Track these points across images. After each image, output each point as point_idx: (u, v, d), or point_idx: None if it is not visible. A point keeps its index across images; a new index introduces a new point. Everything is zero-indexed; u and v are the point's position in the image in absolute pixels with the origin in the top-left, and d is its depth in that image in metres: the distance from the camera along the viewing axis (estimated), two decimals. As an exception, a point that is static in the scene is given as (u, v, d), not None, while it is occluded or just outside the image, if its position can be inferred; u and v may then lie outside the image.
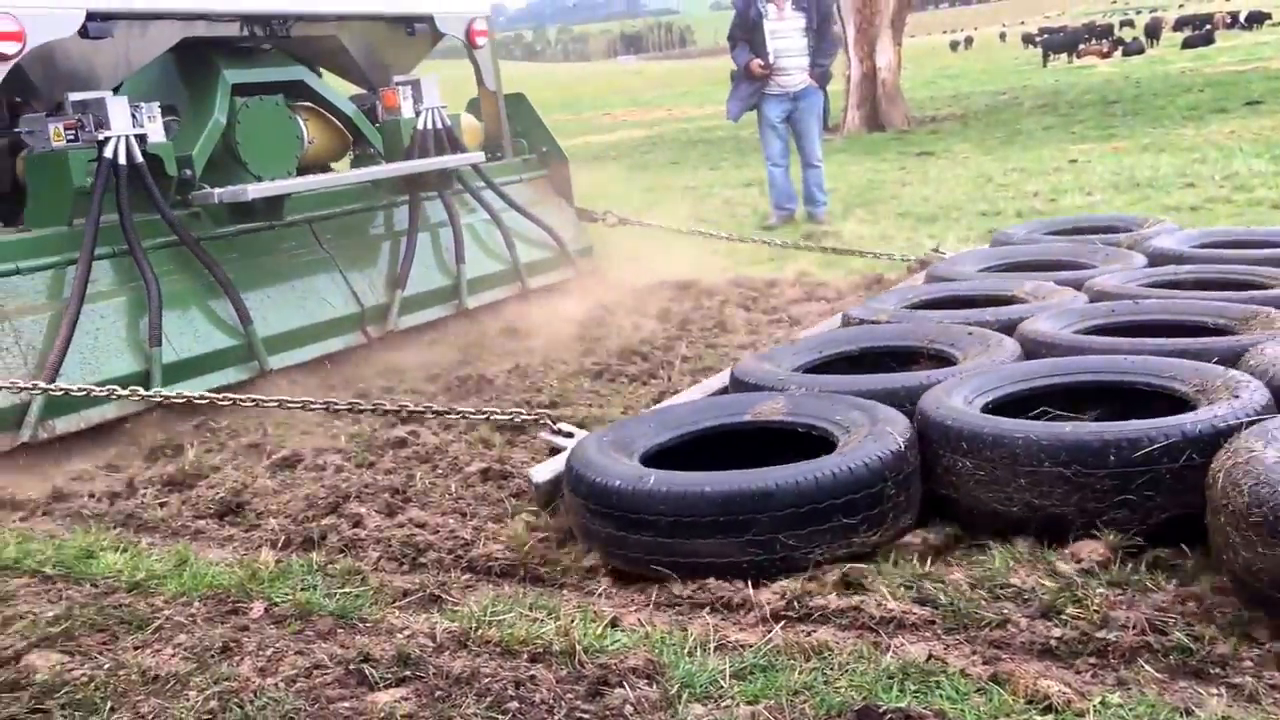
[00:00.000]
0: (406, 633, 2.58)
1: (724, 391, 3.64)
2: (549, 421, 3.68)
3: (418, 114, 5.69)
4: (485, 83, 6.41)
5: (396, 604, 2.76)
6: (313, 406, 3.85)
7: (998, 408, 2.94)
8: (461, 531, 3.09)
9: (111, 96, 4.49)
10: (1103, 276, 4.24)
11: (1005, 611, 2.39)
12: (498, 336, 5.72)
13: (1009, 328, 3.60)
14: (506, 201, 6.13)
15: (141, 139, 4.57)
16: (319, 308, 5.19)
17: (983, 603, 2.44)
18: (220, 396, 4.02)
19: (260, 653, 2.55)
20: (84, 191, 4.43)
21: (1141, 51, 32.44)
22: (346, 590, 2.82)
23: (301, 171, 5.35)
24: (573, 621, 2.51)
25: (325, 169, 5.74)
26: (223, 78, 5.02)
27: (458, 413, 3.87)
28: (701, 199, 10.95)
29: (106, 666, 2.54)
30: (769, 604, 2.51)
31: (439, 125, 5.74)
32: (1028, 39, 49.19)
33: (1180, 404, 2.78)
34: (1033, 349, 3.36)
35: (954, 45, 57.78)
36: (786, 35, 8.31)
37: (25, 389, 3.90)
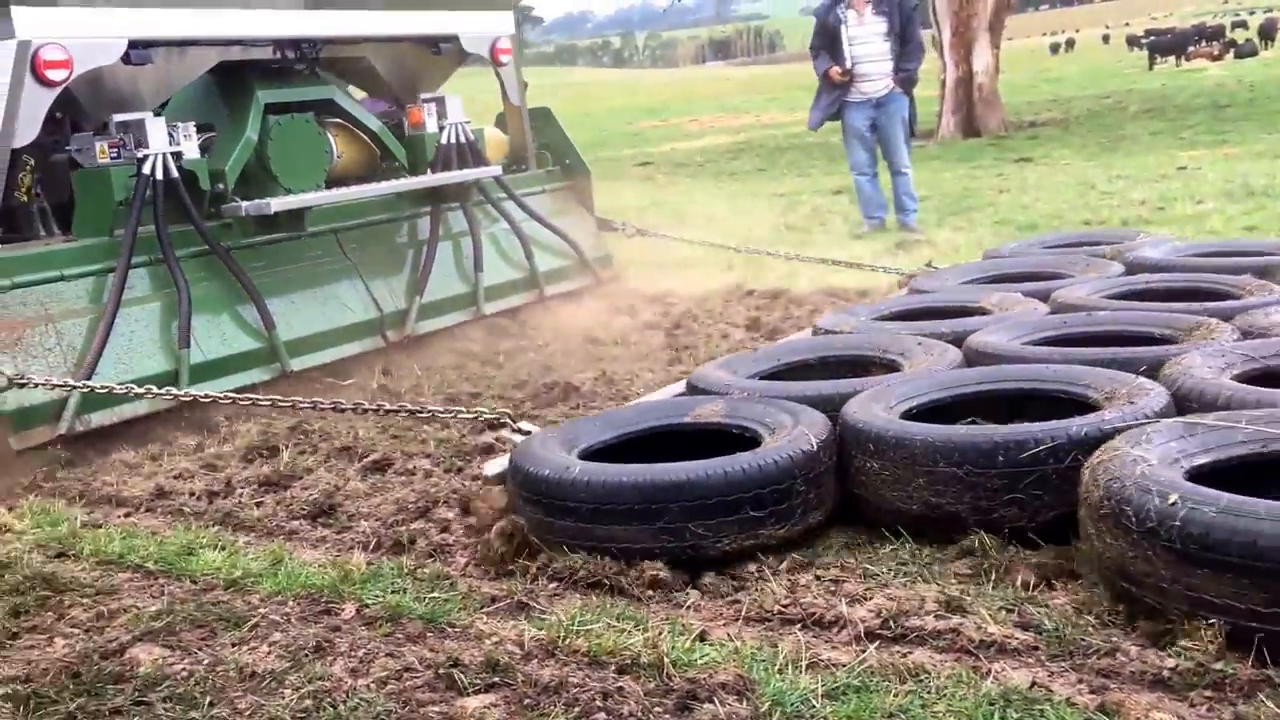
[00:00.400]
0: (495, 639, 2.60)
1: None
2: (510, 420, 3.85)
3: (441, 129, 6.01)
4: (509, 98, 6.70)
5: (484, 610, 2.78)
6: (301, 406, 4.14)
7: (920, 414, 3.10)
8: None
9: (151, 117, 4.89)
10: (1067, 289, 4.38)
11: (1113, 639, 2.31)
12: (584, 343, 5.82)
13: (961, 339, 3.75)
14: (526, 211, 6.38)
15: (177, 156, 4.93)
16: (339, 313, 5.51)
17: (1089, 629, 2.37)
18: (240, 396, 4.32)
19: (352, 653, 2.61)
20: (124, 204, 4.78)
21: (1255, 54, 31.35)
22: (435, 594, 2.87)
23: (331, 184, 5.66)
24: (660, 634, 2.51)
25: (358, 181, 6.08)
26: (256, 97, 5.36)
27: (428, 412, 4.14)
28: (790, 207, 10.83)
29: (205, 662, 2.62)
30: (863, 622, 2.47)
31: (461, 140, 6.06)
32: (1133, 41, 47.88)
33: (1087, 409, 2.95)
34: (975, 359, 3.55)
35: (1054, 48, 56.52)
36: (867, 41, 8.23)
37: (59, 385, 4.27)
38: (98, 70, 4.87)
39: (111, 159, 4.91)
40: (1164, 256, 4.91)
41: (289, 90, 5.62)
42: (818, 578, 2.76)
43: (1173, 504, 2.25)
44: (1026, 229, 8.13)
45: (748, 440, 3.09)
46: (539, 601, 2.79)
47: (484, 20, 6.39)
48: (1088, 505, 2.46)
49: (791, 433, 2.99)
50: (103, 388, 4.24)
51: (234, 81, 5.49)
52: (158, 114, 5.08)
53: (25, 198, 5.07)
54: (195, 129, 5.17)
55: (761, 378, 3.73)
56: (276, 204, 5.19)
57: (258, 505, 3.70)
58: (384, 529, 3.35)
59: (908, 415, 3.07)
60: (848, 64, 8.17)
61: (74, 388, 4.25)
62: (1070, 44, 58.93)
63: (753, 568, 2.80)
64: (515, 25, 6.68)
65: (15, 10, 4.46)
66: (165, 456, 4.31)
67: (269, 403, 4.15)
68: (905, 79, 8.27)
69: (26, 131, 4.60)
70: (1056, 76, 32.86)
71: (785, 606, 2.60)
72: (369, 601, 2.86)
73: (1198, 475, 2.47)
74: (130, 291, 4.73)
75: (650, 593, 2.76)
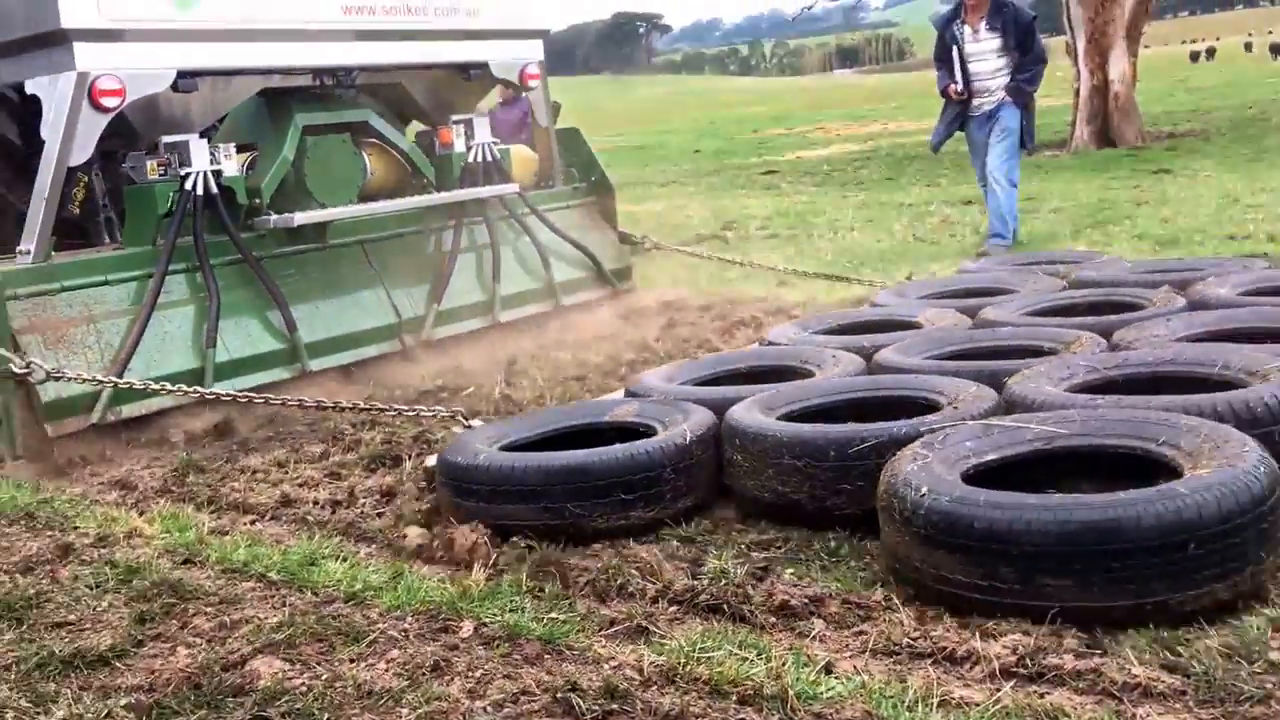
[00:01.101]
0: (613, 663, 2.68)
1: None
2: (463, 418, 4.52)
3: (469, 149, 6.52)
4: (538, 119, 7.28)
5: (603, 632, 2.87)
6: (273, 402, 4.91)
7: (798, 417, 3.65)
8: (665, 566, 3.18)
9: (195, 139, 5.45)
10: (993, 306, 4.99)
11: (1267, 686, 2.30)
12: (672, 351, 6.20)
13: (874, 351, 4.34)
14: (547, 225, 6.88)
15: (218, 174, 5.47)
16: (359, 318, 6.14)
17: (1241, 674, 2.35)
18: (256, 395, 5.00)
19: (470, 673, 2.69)
20: (168, 216, 5.34)
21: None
22: (554, 614, 2.97)
23: (365, 199, 6.21)
24: (784, 664, 2.55)
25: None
26: (294, 120, 5.88)
27: (380, 408, 4.76)
28: (918, 217, 10.82)
29: (324, 677, 2.73)
30: (998, 658, 2.48)
31: (487, 158, 6.57)
32: (1276, 49, 46.02)
33: (932, 412, 3.53)
34: (875, 370, 4.16)
35: (1194, 56, 54.81)
36: (983, 57, 8.42)
37: (88, 380, 4.82)
38: (149, 97, 5.42)
39: (160, 176, 5.45)
40: (1099, 275, 5.52)
41: (326, 113, 6.16)
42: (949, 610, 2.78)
43: (921, 495, 2.76)
44: (1166, 244, 8.17)
45: (646, 436, 3.66)
46: (659, 625, 2.87)
47: (513, 48, 6.93)
48: (876, 498, 2.97)
49: (672, 430, 3.60)
50: (125, 383, 4.79)
51: (276, 105, 6.06)
52: (204, 135, 5.63)
53: (78, 211, 5.66)
54: (237, 148, 5.73)
55: (696, 384, 4.34)
56: (300, 218, 5.83)
57: (379, 516, 3.92)
58: (504, 546, 3.47)
59: (787, 417, 3.63)
60: (958, 84, 8.43)
61: (101, 382, 4.79)
62: (1211, 52, 57.02)
63: (879, 595, 2.86)
64: (543, 51, 7.25)
65: (76, 45, 5.01)
66: (291, 464, 4.66)
67: (280, 401, 4.91)
68: (1014, 89, 8.40)
69: (81, 152, 5.14)
70: (1196, 85, 31.97)
71: (914, 639, 2.63)
72: (487, 620, 2.98)
73: (985, 471, 3.01)
74: (166, 295, 5.38)
75: (773, 620, 2.84)
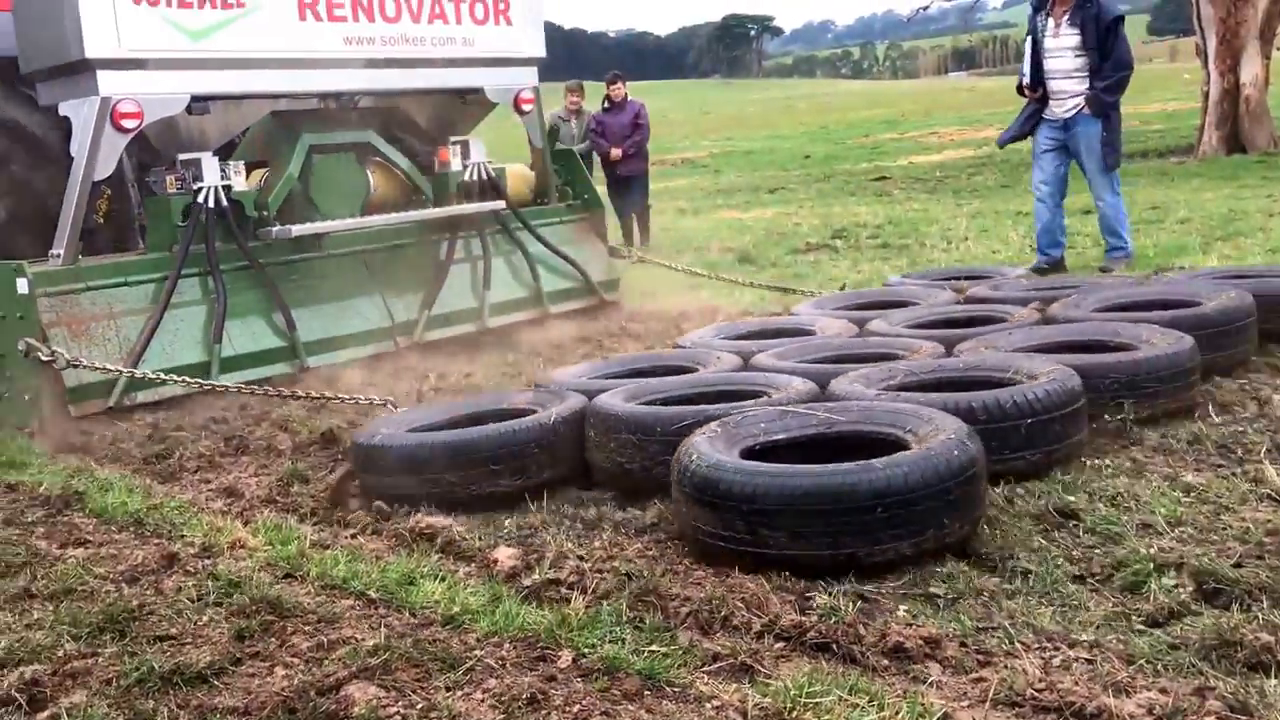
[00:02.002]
0: (716, 703, 2.67)
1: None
2: (393, 406, 5.31)
3: (465, 168, 7.38)
4: (533, 141, 8.14)
5: (705, 669, 2.86)
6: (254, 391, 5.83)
7: (656, 404, 4.45)
8: (771, 599, 3.19)
9: (208, 157, 6.45)
10: (879, 319, 5.78)
11: None
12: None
13: (753, 354, 5.21)
14: (537, 239, 7.75)
15: (228, 189, 6.43)
16: (355, 320, 7.07)
17: None
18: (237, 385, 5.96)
19: (567, 708, 2.72)
20: (180, 226, 6.33)
21: None
22: (655, 647, 2.97)
23: (370, 213, 7.17)
24: (898, 712, 2.53)
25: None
26: (301, 140, 6.85)
27: (317, 396, 5.63)
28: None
29: (419, 706, 2.78)
30: (1132, 717, 2.45)
31: (482, 176, 7.42)
32: None
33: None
34: (746, 369, 4.98)
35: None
36: (1059, 55, 8.06)
37: (98, 369, 5.71)
38: (166, 119, 6.45)
39: (177, 190, 6.48)
40: (984, 292, 6.29)
41: (331, 133, 7.13)
42: (1075, 656, 2.78)
43: (691, 462, 3.54)
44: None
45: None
46: (763, 663, 2.86)
47: (507, 75, 7.81)
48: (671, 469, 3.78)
49: (547, 412, 4.43)
50: (139, 373, 5.79)
51: (285, 125, 7.04)
52: (217, 154, 6.63)
53: (102, 219, 6.77)
54: (253, 165, 6.74)
55: (594, 378, 5.17)
56: (297, 230, 6.74)
57: (480, 537, 4.01)
58: (604, 572, 3.51)
59: (647, 404, 4.46)
60: (1026, 79, 8.21)
61: (113, 371, 5.77)
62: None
63: (999, 638, 2.87)
64: (538, 77, 8.09)
65: (99, 73, 6.01)
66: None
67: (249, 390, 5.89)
68: (1092, 98, 7.97)
69: (104, 168, 6.16)
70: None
71: (1039, 690, 2.58)
72: (586, 650, 3.00)
73: (770, 447, 3.77)
74: (179, 296, 6.36)
75: (886, 662, 2.83)
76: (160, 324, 6.21)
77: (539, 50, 8.01)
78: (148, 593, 3.64)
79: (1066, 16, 7.95)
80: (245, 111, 7.05)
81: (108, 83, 6.05)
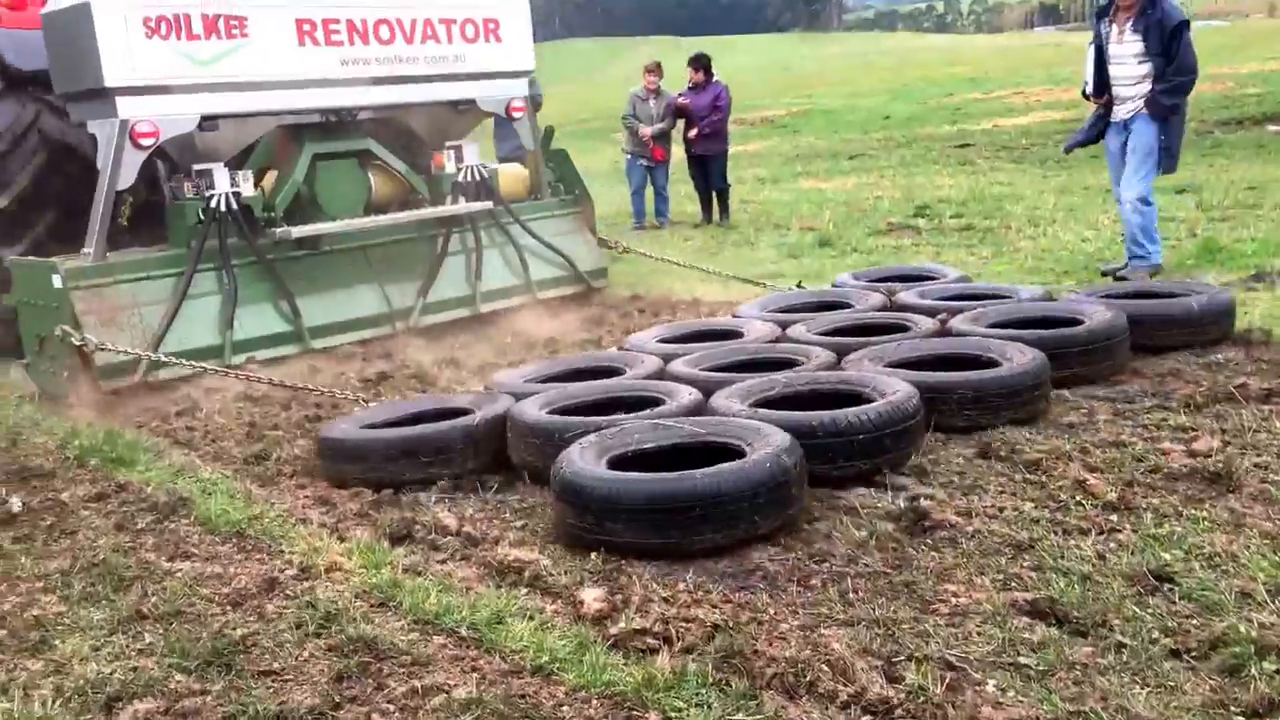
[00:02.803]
0: None
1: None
2: (363, 402, 6.23)
3: (459, 170, 8.34)
4: (525, 144, 9.05)
5: None
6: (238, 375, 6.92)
7: (566, 410, 5.22)
8: (857, 666, 3.19)
9: (219, 167, 7.40)
10: (799, 323, 6.49)
11: None
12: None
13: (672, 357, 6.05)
14: (527, 231, 8.70)
15: (237, 195, 7.39)
16: (356, 307, 8.08)
17: None
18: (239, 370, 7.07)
19: None
20: (195, 227, 7.32)
21: None
22: (740, 716, 3.01)
23: (372, 212, 8.12)
24: None
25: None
26: (305, 149, 7.80)
27: (314, 389, 6.62)
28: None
29: None
30: None
31: (475, 178, 8.38)
32: None
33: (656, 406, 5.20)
34: (665, 375, 5.77)
35: None
36: (1124, 61, 8.24)
37: (120, 351, 6.74)
38: (180, 135, 7.34)
39: (191, 195, 7.46)
40: (909, 299, 6.86)
41: (333, 143, 8.04)
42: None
43: (560, 468, 4.35)
44: None
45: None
46: None
47: (498, 86, 8.70)
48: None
49: (474, 414, 5.29)
50: (157, 357, 6.81)
51: (290, 137, 7.97)
52: (229, 164, 7.58)
53: (126, 223, 7.67)
54: (259, 170, 7.72)
55: (534, 381, 5.95)
56: (296, 231, 7.65)
57: (565, 573, 4.05)
58: (690, 623, 3.59)
59: (558, 410, 5.20)
60: (1090, 86, 8.44)
61: (128, 354, 6.77)
62: None
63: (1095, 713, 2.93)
64: (530, 85, 8.99)
65: (118, 99, 6.96)
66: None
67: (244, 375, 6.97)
68: (1150, 100, 8.11)
69: (125, 179, 7.13)
70: None
71: None
72: (672, 714, 3.07)
73: (639, 455, 4.49)
74: (195, 288, 7.31)
75: None
76: (178, 312, 7.15)
77: (528, 64, 8.80)
78: (251, 619, 3.87)
79: (1130, 22, 8.08)
80: (253, 127, 7.88)
81: (126, 107, 6.96)
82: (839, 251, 10.95)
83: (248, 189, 7.57)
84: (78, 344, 6.74)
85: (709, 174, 13.97)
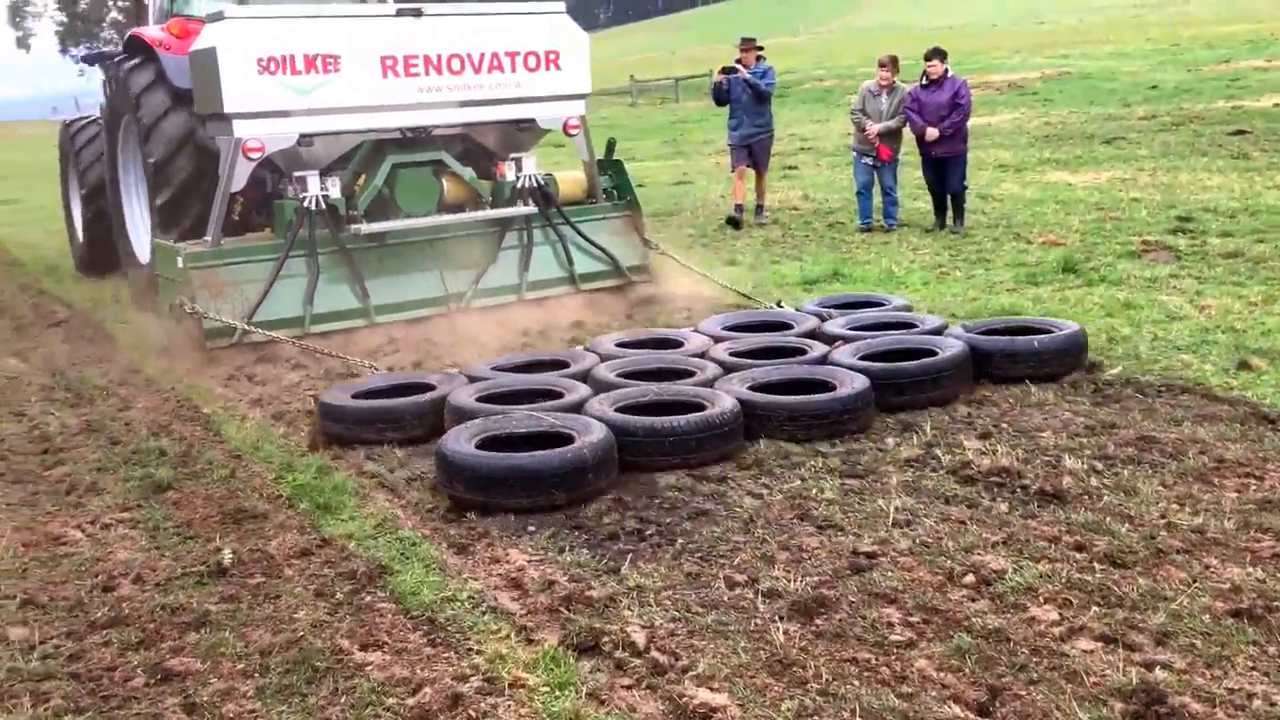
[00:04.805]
0: None
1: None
2: (373, 367, 8.32)
3: (518, 178, 10.32)
4: (581, 155, 10.97)
5: None
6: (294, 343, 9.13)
7: (492, 399, 7.00)
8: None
9: (312, 174, 9.55)
10: (726, 343, 8.08)
11: None
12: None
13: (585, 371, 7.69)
14: (575, 230, 10.63)
15: (326, 197, 9.55)
16: (417, 290, 10.12)
17: None
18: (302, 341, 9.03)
19: None
20: (290, 222, 9.51)
21: None
22: None
23: (442, 212, 10.20)
24: None
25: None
26: (386, 159, 9.91)
27: (326, 353, 8.86)
28: None
29: None
30: None
31: (532, 184, 10.35)
32: None
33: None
34: (595, 383, 7.34)
35: None
36: None
37: (217, 320, 9.12)
38: (283, 149, 9.55)
39: (290, 196, 9.74)
40: (833, 328, 8.26)
41: (410, 154, 10.13)
42: None
43: (442, 448, 6.00)
44: None
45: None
46: None
47: (556, 108, 10.56)
48: None
49: (432, 393, 7.19)
50: (245, 326, 9.09)
51: (375, 148, 10.10)
52: (321, 172, 9.72)
53: (237, 218, 10.08)
54: (354, 175, 9.91)
55: (498, 369, 7.79)
56: (367, 227, 9.76)
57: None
58: None
59: (484, 399, 6.97)
60: None
61: (225, 323, 9.08)
62: None
63: None
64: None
65: (234, 121, 9.22)
66: (683, 570, 4.98)
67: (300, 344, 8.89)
68: None
69: (237, 183, 9.41)
70: None
71: None
72: None
73: (503, 438, 6.17)
74: (286, 271, 9.50)
75: None
76: (271, 290, 9.39)
77: (585, 88, 10.61)
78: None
79: None
80: (343, 141, 9.93)
81: (240, 128, 9.20)
82: (1084, 280, 10.27)
83: (334, 192, 9.68)
84: (189, 312, 9.07)
85: (946, 177, 13.38)
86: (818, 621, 4.38)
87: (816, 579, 4.75)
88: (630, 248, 11.14)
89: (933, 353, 7.29)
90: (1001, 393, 7.17)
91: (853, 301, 9.30)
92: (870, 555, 4.95)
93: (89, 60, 13.14)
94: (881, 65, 13.93)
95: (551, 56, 10.30)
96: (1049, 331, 7.63)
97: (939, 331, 7.90)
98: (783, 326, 8.54)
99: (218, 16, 9.18)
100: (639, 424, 6.28)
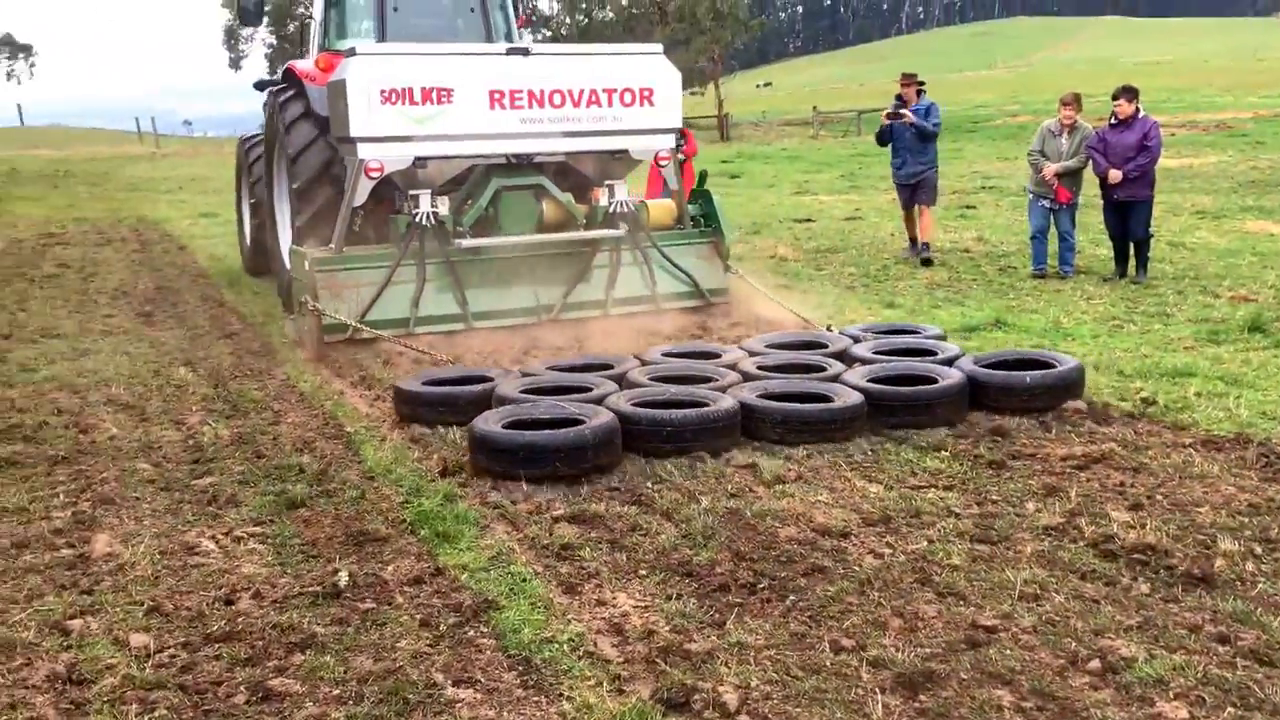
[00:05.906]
0: None
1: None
2: (449, 360, 9.53)
3: (610, 204, 11.54)
4: (670, 185, 12.11)
5: None
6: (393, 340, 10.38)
7: (535, 391, 8.34)
8: None
9: (425, 193, 10.95)
10: (756, 358, 9.14)
11: None
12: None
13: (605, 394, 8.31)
14: (661, 254, 11.79)
15: (435, 214, 10.93)
16: (510, 301, 11.31)
17: None
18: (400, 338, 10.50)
19: None
20: (403, 235, 10.94)
21: None
22: None
23: (541, 231, 11.45)
24: None
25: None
26: (491, 182, 11.28)
27: (437, 356, 10.06)
28: None
29: None
30: None
31: (622, 210, 11.52)
32: None
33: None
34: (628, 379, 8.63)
35: None
36: None
37: (333, 318, 10.55)
38: (400, 170, 10.96)
39: (404, 212, 11.17)
40: (859, 351, 9.26)
41: (513, 179, 11.48)
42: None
43: (473, 426, 7.26)
44: None
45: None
46: None
47: (648, 140, 11.72)
48: None
49: (488, 384, 8.50)
50: (356, 324, 10.55)
51: (482, 173, 11.50)
52: (435, 191, 11.14)
53: (357, 229, 11.52)
54: (448, 198, 11.26)
55: (554, 370, 8.96)
56: (464, 244, 11.09)
57: None
58: None
59: (530, 390, 8.23)
60: None
61: (341, 320, 10.57)
62: None
63: None
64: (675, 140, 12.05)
65: (359, 145, 10.71)
66: (789, 629, 4.86)
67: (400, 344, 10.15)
68: None
69: (359, 199, 10.91)
70: None
71: None
72: None
73: (531, 423, 7.34)
74: (397, 277, 10.93)
75: None
76: (383, 294, 10.82)
77: (676, 122, 11.77)
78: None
79: None
80: (455, 164, 11.26)
81: (363, 150, 10.66)
82: (1273, 341, 9.65)
83: (443, 209, 11.04)
84: (311, 310, 10.61)
85: (1128, 223, 12.89)
86: (922, 697, 4.23)
87: (928, 650, 4.59)
88: (712, 271, 12.22)
89: (932, 380, 8.15)
90: (1161, 461, 6.79)
91: (893, 329, 10.14)
92: (990, 629, 4.73)
93: (258, 86, 14.99)
94: (1065, 104, 13.52)
95: (646, 93, 11.48)
96: (1051, 366, 8.36)
97: (950, 362, 8.66)
98: (818, 346, 9.48)
99: (351, 52, 10.73)
100: (643, 415, 7.42)
